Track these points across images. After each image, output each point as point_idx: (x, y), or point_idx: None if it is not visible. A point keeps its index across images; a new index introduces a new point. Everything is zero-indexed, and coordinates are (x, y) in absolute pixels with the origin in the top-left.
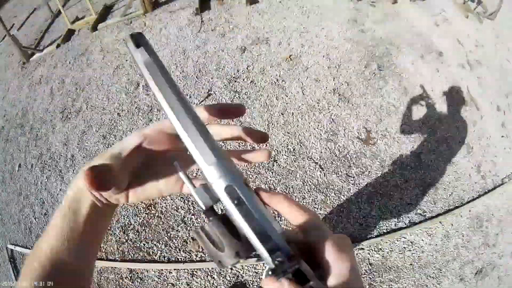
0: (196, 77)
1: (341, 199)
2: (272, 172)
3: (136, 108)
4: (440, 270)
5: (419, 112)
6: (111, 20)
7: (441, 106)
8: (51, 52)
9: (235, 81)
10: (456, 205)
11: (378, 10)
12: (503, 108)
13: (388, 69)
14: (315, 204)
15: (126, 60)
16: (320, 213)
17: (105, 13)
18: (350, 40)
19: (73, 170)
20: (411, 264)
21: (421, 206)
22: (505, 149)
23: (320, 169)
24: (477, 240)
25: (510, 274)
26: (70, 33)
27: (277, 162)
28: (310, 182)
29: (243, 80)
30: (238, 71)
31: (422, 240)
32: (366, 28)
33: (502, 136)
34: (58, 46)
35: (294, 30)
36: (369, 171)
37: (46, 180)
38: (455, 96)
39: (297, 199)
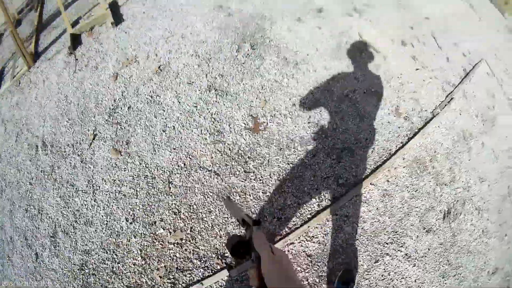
0: (81, 120)
1: (248, 199)
2: (171, 196)
3: (41, 171)
4: (396, 231)
5: (307, 77)
6: (3, 87)
7: (332, 63)
8: None
9: (114, 113)
10: (384, 158)
11: None
12: (409, 41)
13: (262, 45)
14: (223, 214)
15: (23, 125)
16: (232, 221)
17: None
18: (218, 29)
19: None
20: (357, 240)
21: (341, 175)
22: (424, 80)
23: (216, 176)
24: (428, 184)
25: (490, 200)
26: None
27: (172, 184)
28: (211, 192)
29: (121, 108)
30: (115, 100)
31: (358, 209)
32: (232, 11)
33: (417, 69)
34: None
35: (160, 38)
36: (268, 160)
37: None
38: (347, 48)
39: (203, 215)
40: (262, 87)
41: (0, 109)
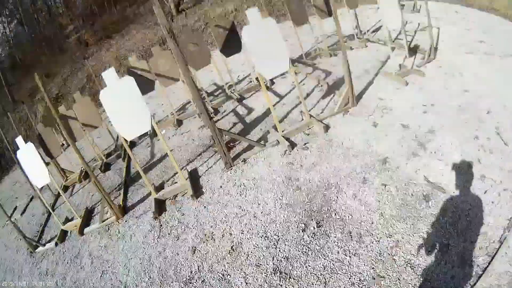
0: (160, 282)
1: None
2: None
3: None
4: None
5: (370, 251)
6: (93, 226)
7: (396, 227)
8: (52, 249)
9: (190, 283)
10: None
11: (312, 150)
12: (475, 156)
13: (328, 221)
14: None
15: (109, 267)
16: None
17: (88, 217)
18: (287, 206)
19: None
20: None
21: None
22: (493, 202)
23: None
24: None
25: None
26: (64, 233)
27: None
28: None
29: (196, 280)
30: (191, 272)
31: None
32: (301, 182)
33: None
34: (56, 244)
35: (234, 217)
36: None
37: None
38: (412, 201)
39: None
40: (324, 268)
41: (89, 244)
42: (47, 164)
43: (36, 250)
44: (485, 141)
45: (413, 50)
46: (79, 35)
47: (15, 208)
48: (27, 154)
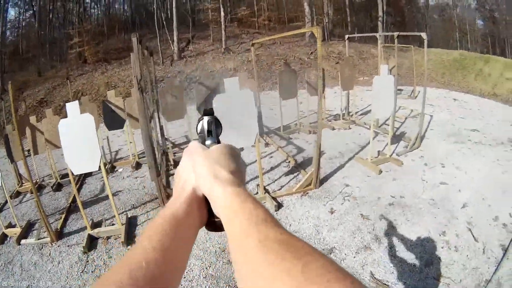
0: None
1: None
2: None
3: None
4: None
5: None
6: (29, 240)
7: None
8: None
9: None
10: None
11: None
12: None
13: None
14: None
15: (34, 283)
16: None
17: (28, 229)
18: (211, 278)
19: None
20: None
21: None
22: None
23: None
24: None
25: None
26: (4, 236)
27: None
28: None
29: None
30: None
31: None
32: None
33: None
34: None
35: None
36: None
37: None
38: None
39: None
40: None
41: (23, 256)
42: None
43: None
44: (452, 238)
45: (397, 138)
46: (80, 50)
47: None
48: None
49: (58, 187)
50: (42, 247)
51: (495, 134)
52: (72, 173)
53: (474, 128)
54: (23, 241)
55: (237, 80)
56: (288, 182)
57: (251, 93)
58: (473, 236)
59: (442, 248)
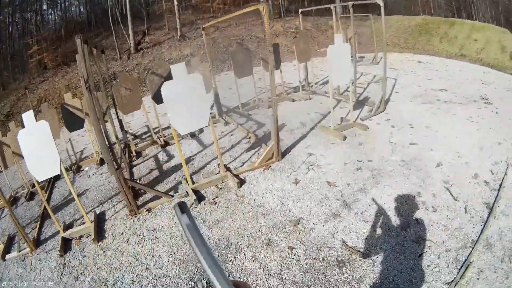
0: None
1: None
2: None
3: None
4: None
5: None
6: (12, 254)
7: None
8: None
9: None
10: None
11: (220, 206)
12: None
13: None
14: None
15: None
16: None
17: (10, 243)
18: (180, 262)
19: None
20: None
21: None
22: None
23: None
24: None
25: None
26: None
27: None
28: None
29: None
30: None
31: None
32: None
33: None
34: None
35: (128, 266)
36: None
37: None
38: (321, 267)
39: None
40: None
41: (10, 270)
42: None
43: None
44: (429, 198)
45: (361, 103)
46: (40, 58)
47: None
48: None
49: (31, 196)
50: (24, 258)
51: (467, 93)
52: (37, 181)
53: (442, 88)
54: (7, 256)
55: (183, 65)
56: (250, 158)
57: (199, 77)
58: (452, 195)
59: (418, 209)
